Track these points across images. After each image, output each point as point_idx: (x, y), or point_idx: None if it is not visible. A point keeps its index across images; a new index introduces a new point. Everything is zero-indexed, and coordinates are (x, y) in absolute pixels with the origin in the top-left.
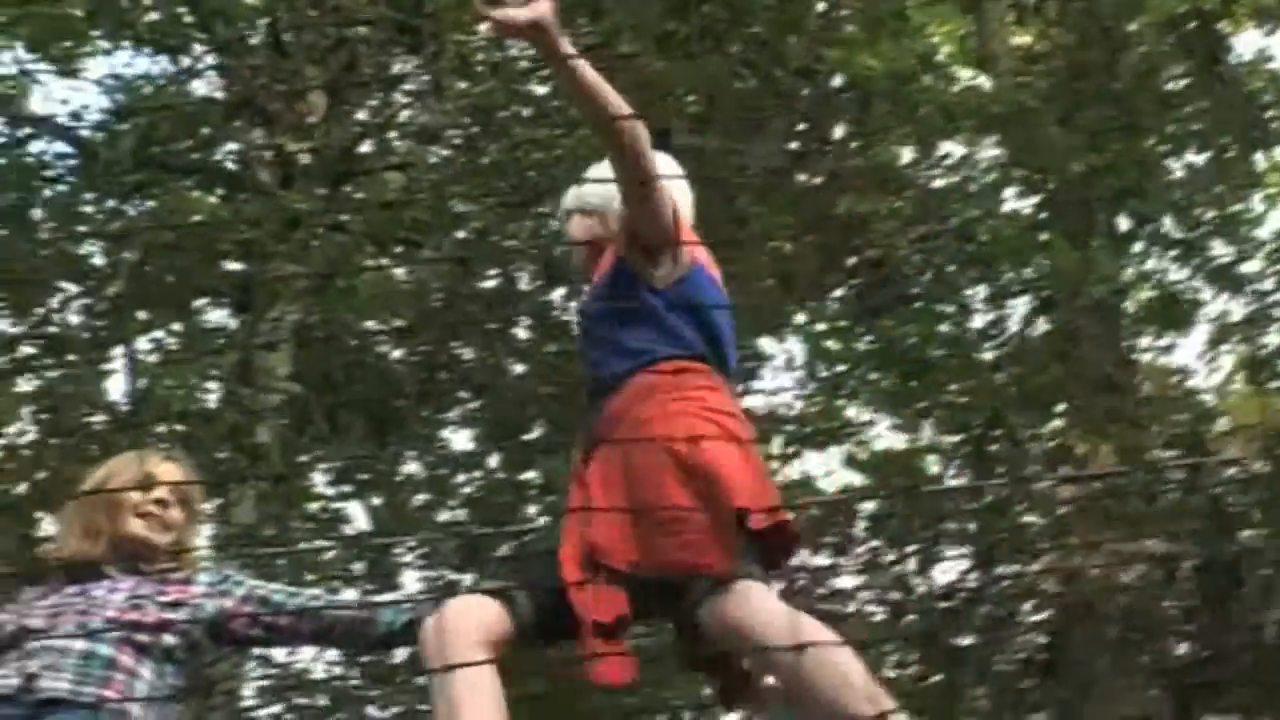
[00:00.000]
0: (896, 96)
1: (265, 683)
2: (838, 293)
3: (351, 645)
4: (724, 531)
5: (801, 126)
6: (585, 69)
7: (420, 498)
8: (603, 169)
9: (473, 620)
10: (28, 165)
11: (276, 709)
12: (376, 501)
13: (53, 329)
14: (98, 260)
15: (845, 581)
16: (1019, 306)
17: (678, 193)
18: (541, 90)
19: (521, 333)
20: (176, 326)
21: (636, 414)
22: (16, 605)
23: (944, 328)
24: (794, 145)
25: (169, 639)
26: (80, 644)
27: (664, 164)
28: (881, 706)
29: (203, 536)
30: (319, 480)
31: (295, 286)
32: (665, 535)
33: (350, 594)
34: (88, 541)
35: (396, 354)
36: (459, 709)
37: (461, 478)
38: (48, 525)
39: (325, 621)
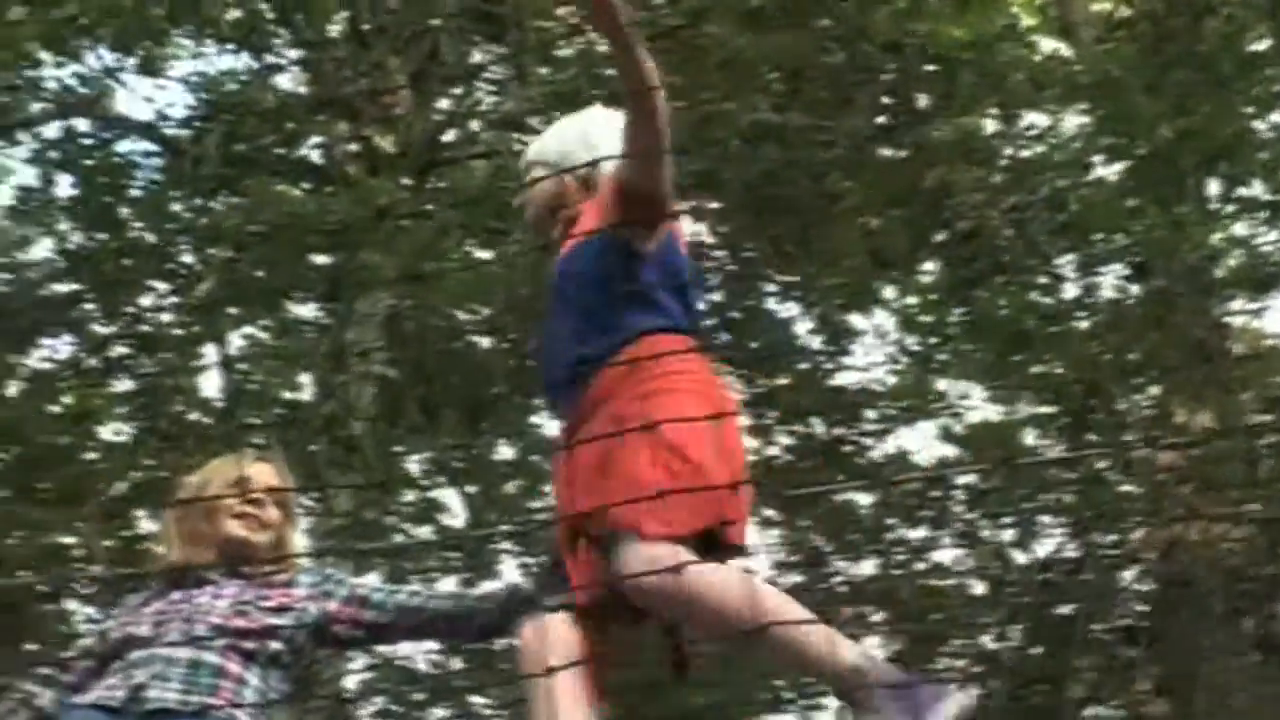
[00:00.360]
0: (983, 67)
1: (366, 676)
2: (928, 266)
3: (453, 638)
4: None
5: (888, 100)
6: (638, 41)
7: (513, 485)
8: (563, 124)
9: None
10: (116, 165)
11: (378, 702)
12: (471, 489)
13: (145, 328)
14: (187, 258)
15: (944, 555)
16: (1112, 275)
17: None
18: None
19: None
20: (268, 322)
21: (621, 393)
22: (120, 612)
23: (1038, 298)
24: (881, 119)
25: (274, 645)
26: (186, 652)
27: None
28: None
29: (301, 530)
30: (414, 469)
31: (385, 276)
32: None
33: (448, 585)
34: (189, 547)
35: (486, 342)
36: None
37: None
38: (147, 525)
39: (426, 617)
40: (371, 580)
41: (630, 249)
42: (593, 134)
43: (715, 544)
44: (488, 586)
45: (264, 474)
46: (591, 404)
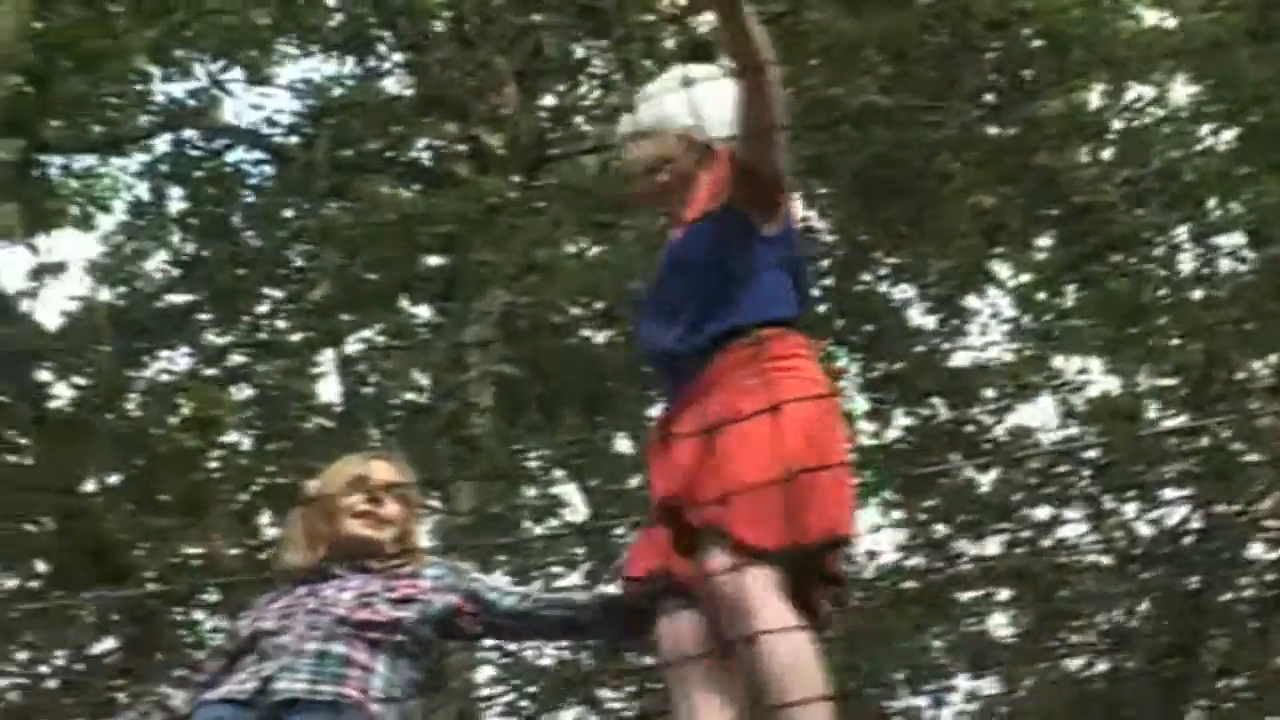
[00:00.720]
0: (1091, 42)
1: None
2: (1043, 242)
3: (567, 639)
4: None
5: (995, 78)
6: (749, 15)
7: (635, 480)
8: (653, 88)
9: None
10: (226, 174)
11: (508, 696)
12: (592, 483)
13: (262, 335)
14: (301, 264)
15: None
16: (1228, 244)
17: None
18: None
19: None
20: (383, 324)
21: (733, 381)
22: (249, 611)
23: (1155, 269)
24: (989, 98)
25: (399, 636)
26: (313, 644)
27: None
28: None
29: (425, 527)
30: (535, 465)
31: (499, 274)
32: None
33: (570, 583)
34: (312, 548)
35: (601, 336)
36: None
37: None
38: (271, 531)
39: (535, 622)
40: (493, 579)
41: (749, 231)
42: (690, 90)
43: (815, 565)
44: (599, 590)
45: (383, 471)
46: (701, 388)
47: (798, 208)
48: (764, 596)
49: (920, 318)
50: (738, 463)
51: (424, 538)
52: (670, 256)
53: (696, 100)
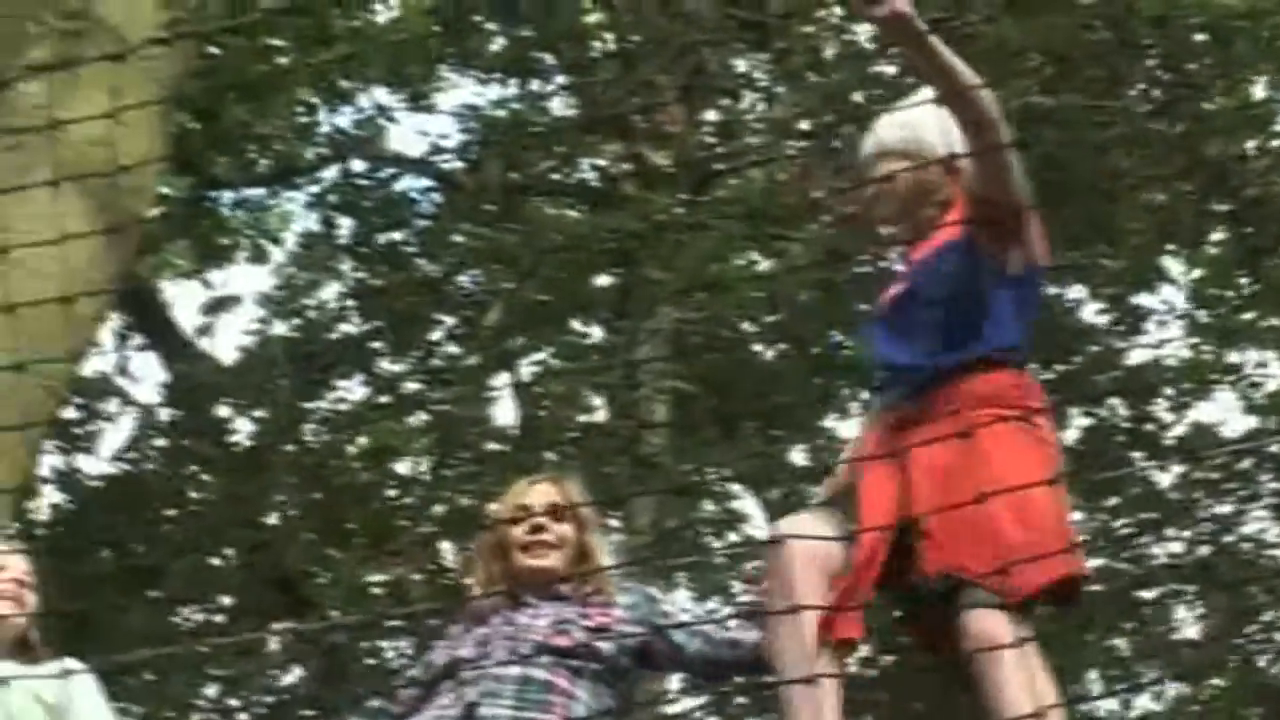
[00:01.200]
0: (1255, 33)
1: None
2: (1216, 236)
3: (756, 675)
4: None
5: (1160, 74)
6: (939, 45)
7: (813, 489)
8: (905, 114)
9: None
10: (396, 202)
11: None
12: (771, 496)
13: (436, 361)
14: (471, 288)
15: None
16: None
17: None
18: (890, 70)
19: None
20: (554, 347)
21: (968, 415)
22: (443, 642)
23: None
24: (1155, 94)
25: (595, 665)
26: (515, 670)
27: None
28: None
29: (606, 540)
30: (712, 479)
31: (670, 290)
32: (973, 543)
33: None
34: (492, 583)
35: (772, 352)
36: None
37: None
38: (452, 557)
39: (721, 665)
40: (681, 609)
41: (995, 266)
42: (942, 118)
43: (1053, 596)
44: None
45: (542, 495)
46: (937, 410)
47: (1041, 238)
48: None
49: (1094, 317)
50: (993, 518)
51: (605, 551)
52: (915, 280)
53: (948, 126)
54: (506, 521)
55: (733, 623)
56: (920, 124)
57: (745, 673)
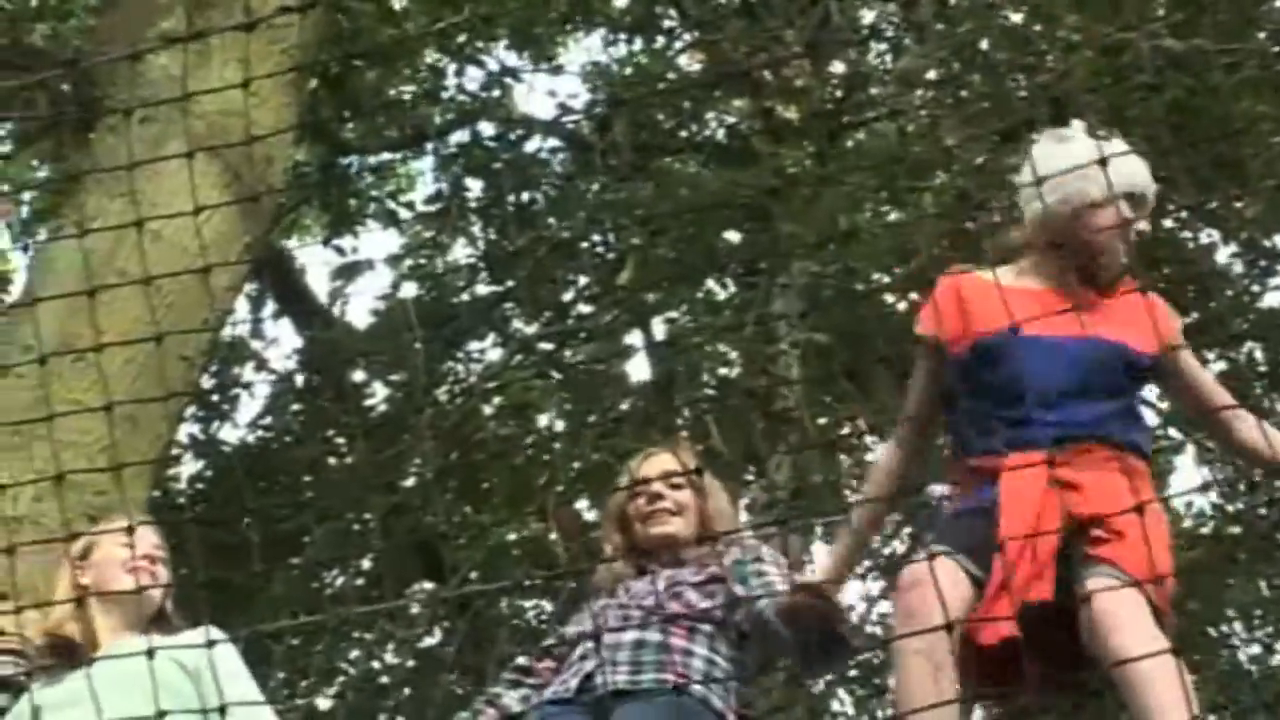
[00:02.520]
0: None
1: None
2: None
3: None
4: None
5: None
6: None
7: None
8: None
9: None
10: (525, 163)
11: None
12: None
13: (570, 322)
14: (604, 248)
15: None
16: None
17: None
18: (1017, 18)
19: None
20: (688, 304)
21: (1119, 491)
22: (578, 615)
23: None
24: None
25: (709, 625)
26: (630, 635)
27: None
28: None
29: (735, 502)
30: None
31: (803, 244)
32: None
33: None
34: (619, 561)
35: (904, 304)
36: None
37: None
38: (591, 515)
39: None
40: (769, 571)
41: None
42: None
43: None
44: None
45: (657, 465)
46: (1084, 460)
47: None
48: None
49: (1228, 260)
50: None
51: (732, 515)
52: (1097, 336)
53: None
54: (624, 498)
55: None
56: (1085, 177)
57: (800, 654)
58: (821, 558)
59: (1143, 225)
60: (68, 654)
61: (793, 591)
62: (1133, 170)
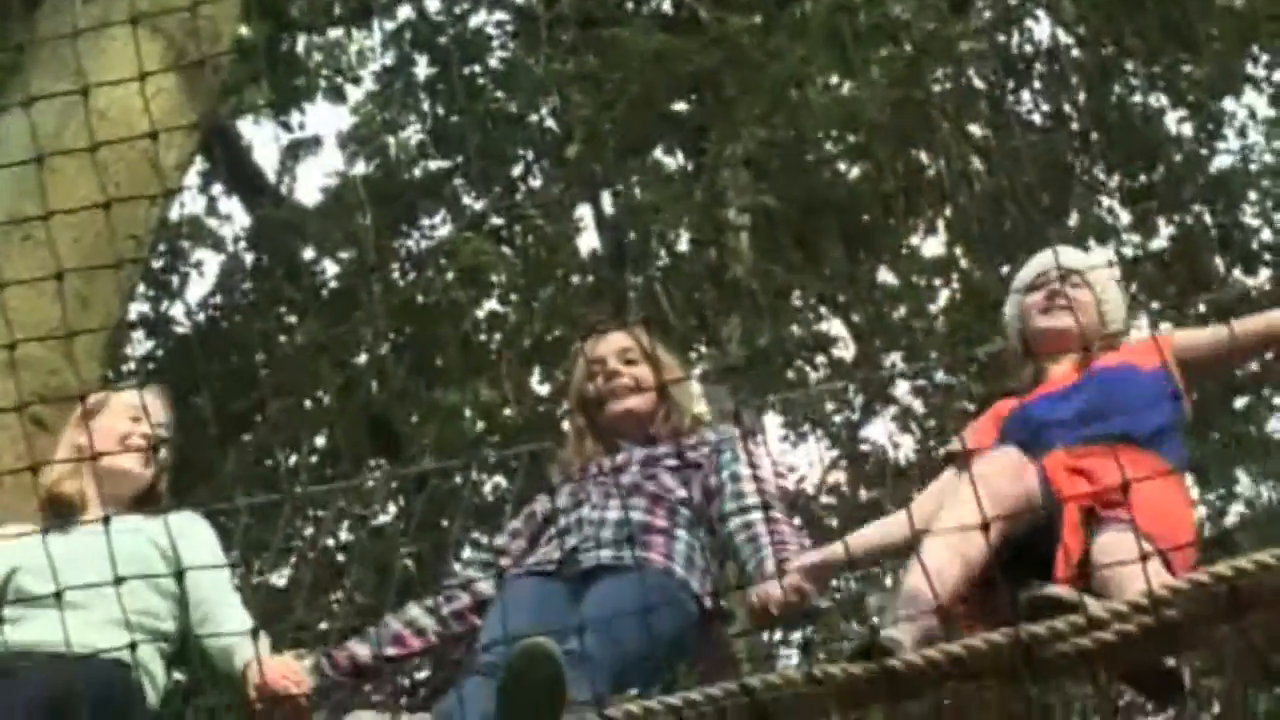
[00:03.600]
0: None
1: None
2: None
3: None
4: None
5: None
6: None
7: (900, 311)
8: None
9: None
10: (471, 39)
11: None
12: (856, 319)
13: (518, 196)
14: (550, 124)
15: None
16: None
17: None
18: None
19: (978, 130)
20: (636, 176)
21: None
22: (543, 496)
23: None
24: None
25: (685, 511)
26: (612, 513)
27: None
28: None
29: (691, 379)
30: (798, 302)
31: (750, 114)
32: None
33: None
34: (580, 441)
35: (855, 170)
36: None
37: (938, 282)
38: (543, 388)
39: (741, 554)
40: (743, 475)
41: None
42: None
43: None
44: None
45: (615, 343)
46: (1114, 453)
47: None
48: None
49: (1177, 125)
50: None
51: (688, 390)
52: (1103, 379)
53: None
54: (581, 381)
55: (763, 526)
56: (1103, 277)
57: (738, 574)
58: (811, 556)
59: (1073, 293)
60: (67, 512)
61: (771, 606)
62: (1046, 257)
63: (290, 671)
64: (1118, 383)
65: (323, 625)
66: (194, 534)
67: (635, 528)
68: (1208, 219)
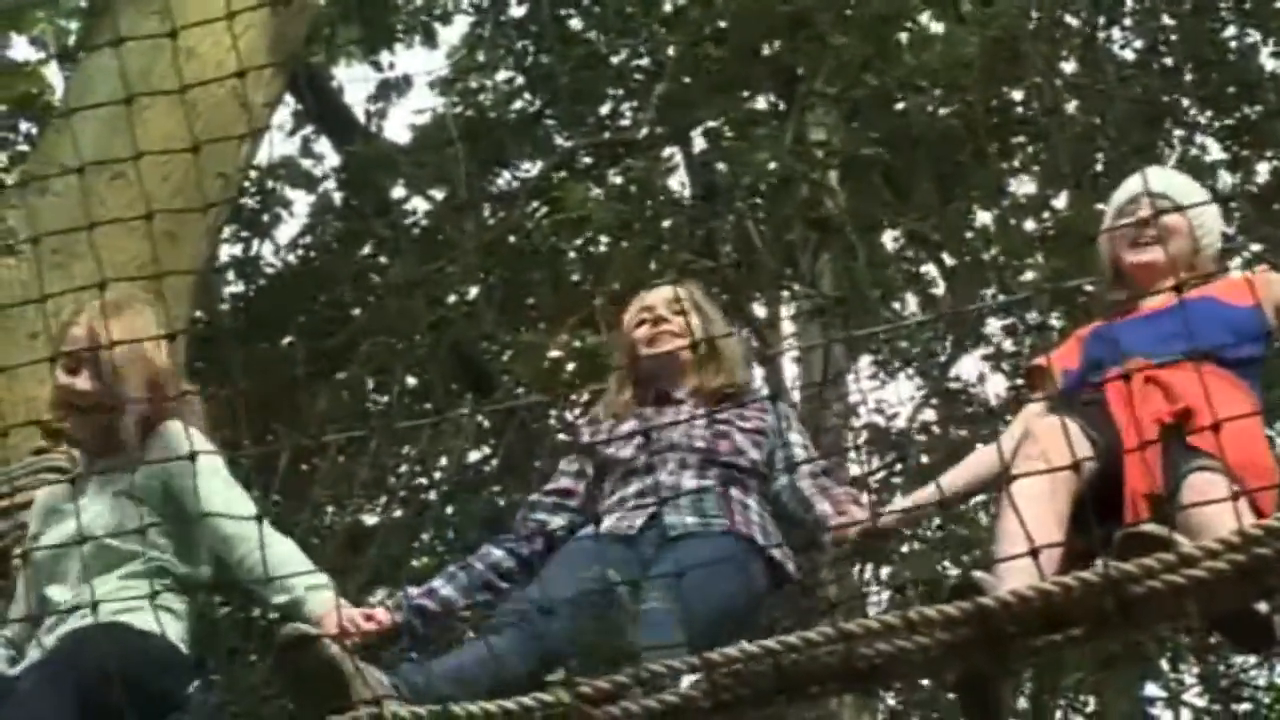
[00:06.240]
0: None
1: None
2: None
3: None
4: None
5: None
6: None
7: (993, 251)
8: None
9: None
10: None
11: None
12: (950, 261)
13: (607, 135)
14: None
15: None
16: None
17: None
18: None
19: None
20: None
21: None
22: (591, 429)
23: None
24: None
25: (753, 481)
26: (690, 481)
27: None
28: None
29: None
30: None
31: (843, 58)
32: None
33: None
34: (622, 383)
35: (945, 111)
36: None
37: (1031, 225)
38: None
39: (798, 517)
40: (805, 473)
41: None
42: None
43: None
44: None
45: (665, 294)
46: (1198, 369)
47: None
48: None
49: (1272, 61)
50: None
51: (735, 346)
52: (1192, 307)
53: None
54: (630, 326)
55: (812, 485)
56: (1198, 199)
57: (798, 537)
58: (900, 501)
59: (1165, 220)
60: (111, 452)
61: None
62: (1137, 181)
63: (367, 616)
64: (1208, 310)
65: (414, 563)
66: (207, 473)
67: (713, 497)
68: None
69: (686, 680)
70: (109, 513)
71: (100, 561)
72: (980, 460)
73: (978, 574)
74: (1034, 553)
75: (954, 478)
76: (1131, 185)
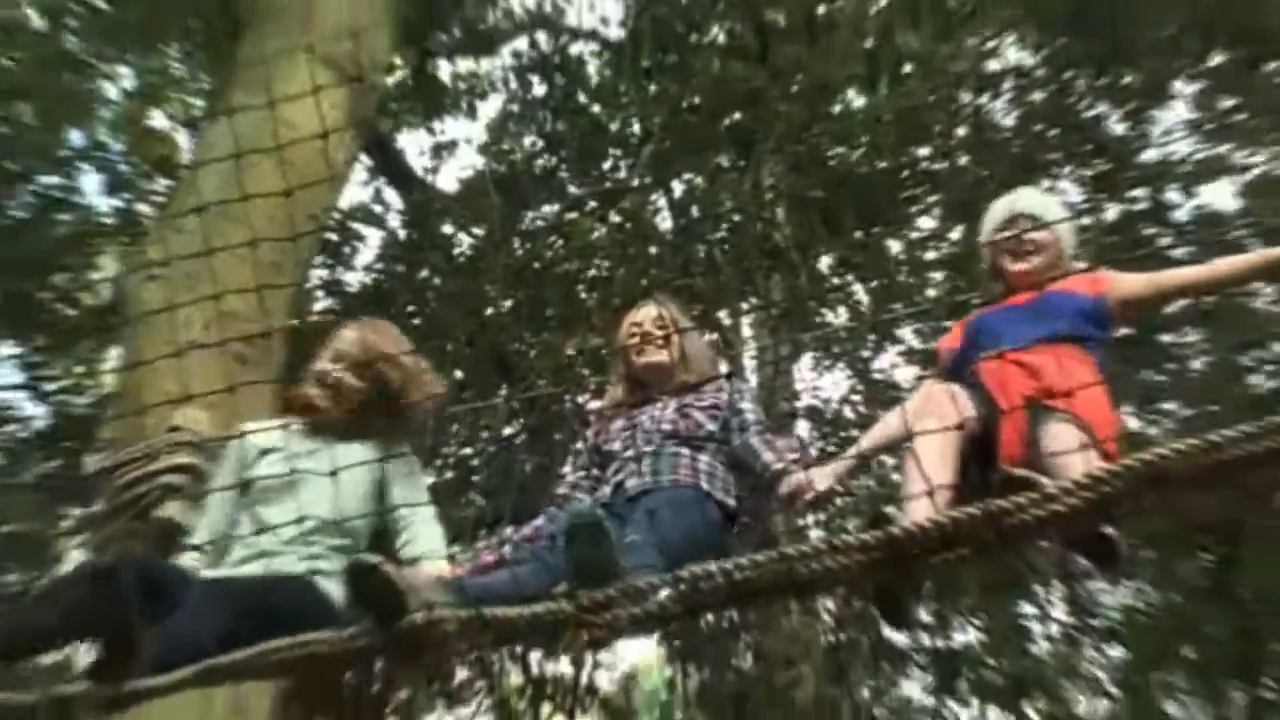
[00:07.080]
0: None
1: None
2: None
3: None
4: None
5: None
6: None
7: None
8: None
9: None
10: (570, 66)
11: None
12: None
13: (606, 185)
14: (635, 128)
15: None
16: None
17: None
18: None
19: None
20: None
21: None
22: (598, 424)
23: None
24: None
25: (713, 444)
26: (650, 449)
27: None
28: None
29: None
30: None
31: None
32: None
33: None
34: (620, 389)
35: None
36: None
37: (930, 255)
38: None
39: (748, 465)
40: (750, 408)
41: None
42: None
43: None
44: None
45: (650, 311)
46: (1055, 351)
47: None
48: None
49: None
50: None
51: (704, 349)
52: (1051, 298)
53: (1069, 237)
54: (624, 338)
55: (759, 440)
56: (1058, 213)
57: (750, 488)
58: (828, 468)
59: (1036, 235)
60: (314, 427)
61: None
62: (1016, 200)
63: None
64: (1063, 300)
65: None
66: (405, 471)
67: (669, 457)
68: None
69: (663, 593)
70: (330, 483)
71: (320, 521)
72: (890, 423)
73: (888, 508)
74: (930, 492)
75: (871, 438)
76: (1012, 200)
